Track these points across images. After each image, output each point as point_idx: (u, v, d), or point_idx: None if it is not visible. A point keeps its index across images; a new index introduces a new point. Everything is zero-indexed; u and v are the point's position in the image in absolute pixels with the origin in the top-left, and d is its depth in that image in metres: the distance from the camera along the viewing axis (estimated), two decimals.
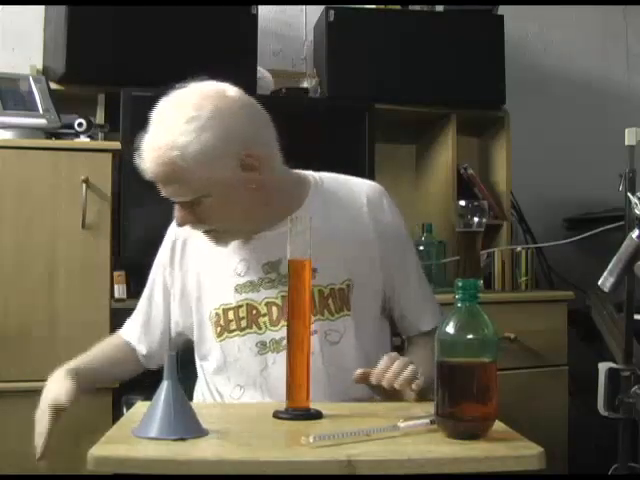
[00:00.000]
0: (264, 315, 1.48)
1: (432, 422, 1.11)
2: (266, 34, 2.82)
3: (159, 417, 1.07)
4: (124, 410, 1.56)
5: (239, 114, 1.39)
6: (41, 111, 2.24)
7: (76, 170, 2.16)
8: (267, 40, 2.86)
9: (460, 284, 1.10)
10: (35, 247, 2.15)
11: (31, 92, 2.26)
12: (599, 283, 1.36)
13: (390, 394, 1.33)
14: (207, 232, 1.46)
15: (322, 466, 0.99)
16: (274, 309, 1.47)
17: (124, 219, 2.27)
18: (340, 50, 2.67)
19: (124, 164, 2.21)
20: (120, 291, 2.23)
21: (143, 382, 1.63)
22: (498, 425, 1.11)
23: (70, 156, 2.19)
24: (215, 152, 1.35)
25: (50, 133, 2.27)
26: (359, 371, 1.35)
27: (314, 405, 1.24)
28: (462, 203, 2.58)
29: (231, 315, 1.49)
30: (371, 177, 2.50)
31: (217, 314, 1.50)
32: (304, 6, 2.98)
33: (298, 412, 1.21)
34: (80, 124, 2.26)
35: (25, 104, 2.23)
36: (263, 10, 2.65)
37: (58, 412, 1.35)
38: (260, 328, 1.48)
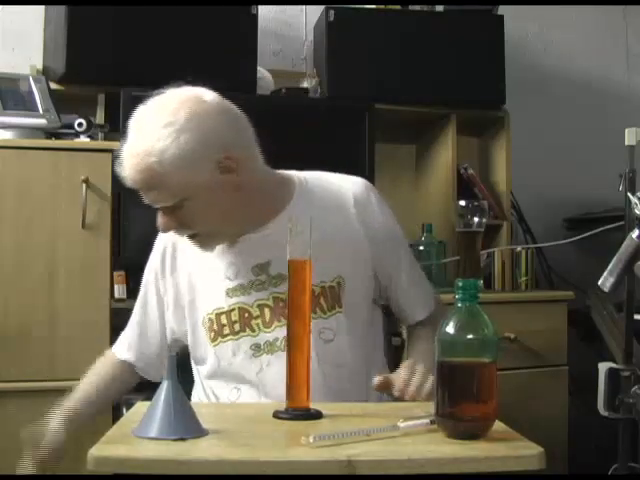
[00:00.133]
0: (256, 317, 1.48)
1: (432, 422, 1.11)
2: (266, 34, 2.82)
3: (159, 417, 1.07)
4: (124, 410, 1.56)
5: (216, 117, 1.40)
6: (41, 111, 2.24)
7: (76, 170, 2.17)
8: (267, 40, 2.86)
9: (460, 284, 1.10)
10: (35, 247, 2.15)
11: (31, 92, 2.26)
12: (599, 283, 1.36)
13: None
14: (191, 237, 1.46)
15: (322, 466, 0.99)
16: (266, 310, 1.48)
17: (124, 219, 2.27)
18: (340, 50, 2.67)
19: None
20: (120, 291, 2.23)
21: (143, 382, 1.63)
22: (498, 425, 1.10)
23: (70, 156, 2.19)
24: (193, 155, 1.35)
25: (50, 133, 2.27)
26: (379, 379, 1.35)
27: (313, 405, 1.24)
28: (462, 203, 2.58)
29: (224, 319, 1.49)
30: (371, 177, 2.51)
31: (210, 319, 1.50)
32: (304, 6, 2.98)
33: (298, 412, 1.21)
34: (80, 124, 2.26)
35: (25, 104, 2.24)
36: (263, 10, 2.66)
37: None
38: (253, 330, 1.48)
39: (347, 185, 1.56)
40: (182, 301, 1.55)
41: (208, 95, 1.43)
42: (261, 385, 1.46)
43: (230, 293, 1.49)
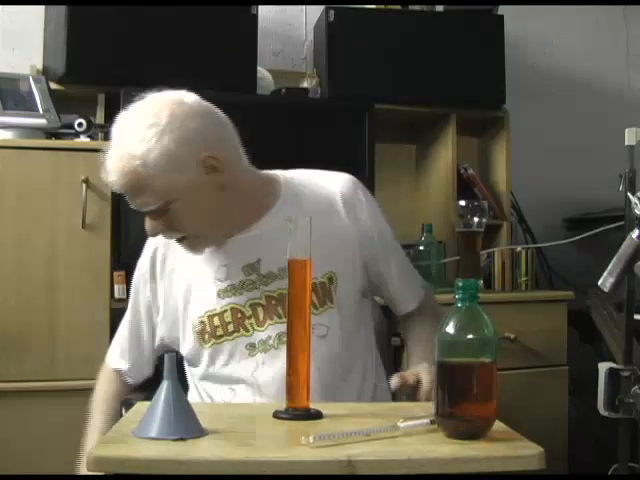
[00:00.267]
0: (249, 317, 1.48)
1: (432, 422, 1.11)
2: (266, 34, 2.82)
3: (159, 417, 1.07)
4: (124, 410, 1.56)
5: (197, 118, 1.41)
6: (41, 111, 2.24)
7: (76, 170, 2.17)
8: (267, 40, 2.86)
9: (460, 284, 1.10)
10: (35, 247, 2.15)
11: (31, 92, 2.26)
12: (599, 283, 1.36)
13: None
14: (180, 240, 1.47)
15: (322, 466, 0.99)
16: (259, 310, 1.48)
17: (124, 219, 2.27)
18: (340, 50, 2.67)
19: None
20: (120, 291, 2.23)
21: (143, 382, 1.63)
22: (498, 425, 1.11)
23: (70, 156, 2.19)
24: (176, 156, 1.36)
25: (50, 133, 2.27)
26: (397, 380, 1.36)
27: (313, 405, 1.24)
28: (462, 203, 2.58)
29: (217, 321, 1.49)
30: (371, 177, 2.51)
31: (202, 322, 1.50)
32: (304, 6, 2.98)
33: (298, 412, 1.21)
34: (80, 124, 2.26)
35: (25, 104, 2.24)
36: (263, 10, 2.66)
37: None
38: (247, 330, 1.48)
39: (334, 182, 1.56)
40: (173, 305, 1.54)
41: (189, 97, 1.44)
42: (256, 384, 1.46)
43: (221, 294, 1.49)
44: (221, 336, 1.49)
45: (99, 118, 2.42)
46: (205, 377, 1.52)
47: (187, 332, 1.52)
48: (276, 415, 1.21)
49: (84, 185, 2.16)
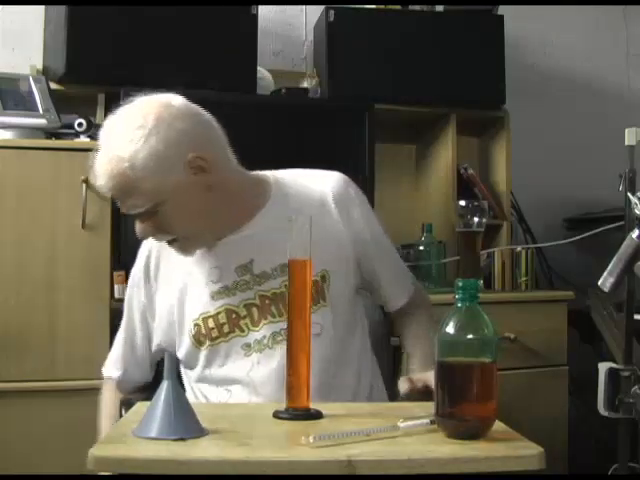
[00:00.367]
0: (244, 317, 1.48)
1: (432, 422, 1.11)
2: (266, 34, 2.82)
3: (159, 417, 1.07)
4: (124, 410, 1.56)
5: (184, 119, 1.41)
6: (41, 111, 2.24)
7: (76, 170, 2.16)
8: (267, 40, 2.86)
9: (460, 284, 1.10)
10: (35, 247, 2.15)
11: (31, 92, 2.26)
12: (599, 283, 1.36)
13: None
14: (171, 243, 1.47)
15: (322, 466, 0.99)
16: (254, 310, 1.48)
17: (124, 219, 2.27)
18: (340, 50, 2.67)
19: None
20: (120, 291, 2.23)
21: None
22: (498, 425, 1.10)
23: (70, 156, 2.19)
24: (164, 157, 1.37)
25: (50, 133, 2.27)
26: (406, 386, 1.35)
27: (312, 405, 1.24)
28: (462, 203, 2.58)
29: (211, 323, 1.49)
30: (371, 177, 2.51)
31: (197, 324, 1.50)
32: (304, 6, 2.99)
33: (298, 412, 1.21)
34: (80, 124, 2.26)
35: (25, 104, 2.24)
36: (263, 10, 2.66)
37: None
38: (243, 331, 1.48)
39: (325, 182, 1.56)
40: (168, 309, 1.54)
41: (176, 100, 1.44)
42: (252, 384, 1.47)
43: (215, 296, 1.49)
44: (216, 338, 1.49)
45: (99, 118, 2.42)
46: (201, 379, 1.52)
47: (183, 335, 1.52)
48: (276, 415, 1.21)
49: (84, 185, 2.16)
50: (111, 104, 1.48)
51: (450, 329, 1.09)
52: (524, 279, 2.79)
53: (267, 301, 1.48)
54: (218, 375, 1.50)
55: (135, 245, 2.24)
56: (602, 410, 1.41)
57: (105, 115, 2.42)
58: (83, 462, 1.00)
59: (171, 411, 1.08)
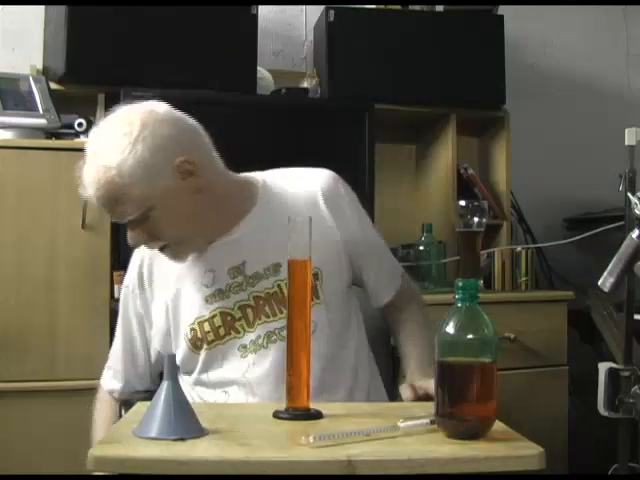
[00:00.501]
0: (239, 319, 1.48)
1: (432, 422, 1.11)
2: (266, 34, 2.82)
3: (159, 417, 1.07)
4: (123, 410, 1.56)
5: (169, 125, 1.42)
6: (41, 111, 2.24)
7: (76, 170, 2.16)
8: (267, 40, 2.86)
9: (460, 284, 1.10)
10: (35, 247, 2.15)
11: (31, 92, 2.26)
12: (599, 283, 1.36)
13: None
14: (163, 249, 1.47)
15: (322, 466, 0.99)
16: (248, 311, 1.49)
17: None
18: (340, 50, 2.67)
19: None
20: (120, 291, 2.22)
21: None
22: (498, 425, 1.10)
23: (70, 156, 2.17)
24: (151, 163, 1.37)
25: (50, 133, 2.27)
26: (410, 394, 1.37)
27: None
28: (462, 203, 2.58)
29: (207, 327, 1.49)
30: (371, 177, 2.51)
31: (193, 329, 1.50)
32: (304, 6, 2.98)
33: (298, 412, 1.21)
34: (80, 124, 2.26)
35: (25, 104, 2.23)
36: (263, 10, 2.66)
37: None
38: (238, 332, 1.49)
39: (314, 180, 1.56)
40: (164, 315, 1.54)
41: (159, 106, 1.45)
42: (248, 385, 1.47)
43: (209, 300, 1.50)
44: (213, 341, 1.49)
45: (99, 118, 2.40)
46: (198, 382, 1.52)
47: (179, 340, 1.52)
48: (276, 415, 1.21)
49: None
50: (111, 104, 1.48)
51: (450, 329, 1.09)
52: (524, 279, 2.79)
53: (261, 302, 1.48)
54: (215, 378, 1.50)
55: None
56: (602, 410, 1.41)
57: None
58: (83, 462, 1.00)
59: (171, 411, 1.08)
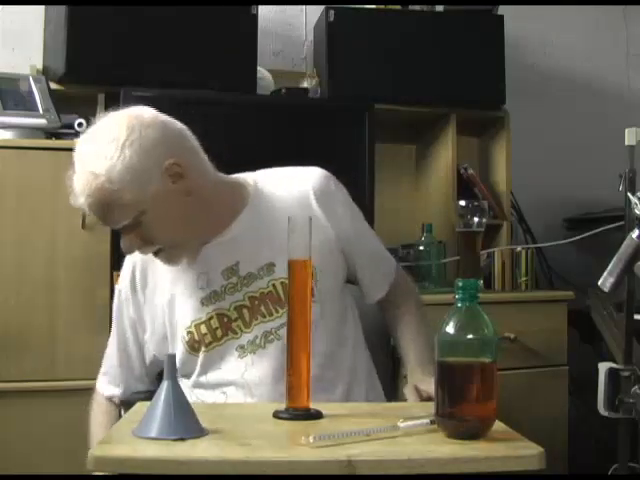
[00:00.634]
0: (236, 320, 1.49)
1: (432, 422, 1.11)
2: (266, 34, 2.82)
3: (159, 417, 1.07)
4: (123, 411, 1.56)
5: (155, 128, 1.42)
6: (41, 111, 2.24)
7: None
8: (267, 40, 2.86)
9: (460, 284, 1.10)
10: (35, 247, 2.15)
11: (31, 92, 2.26)
12: (599, 283, 1.36)
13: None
14: (156, 254, 1.47)
15: (322, 466, 0.99)
16: (244, 311, 1.49)
17: None
18: (340, 50, 2.67)
19: None
20: None
21: None
22: (498, 425, 1.10)
23: (70, 156, 2.16)
24: (140, 167, 1.37)
25: (50, 133, 2.27)
26: (413, 397, 1.40)
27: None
28: (462, 203, 2.58)
29: (204, 329, 1.49)
30: (371, 177, 2.51)
31: (190, 332, 1.50)
32: (304, 6, 2.98)
33: (298, 412, 1.21)
34: (80, 124, 2.26)
35: (25, 104, 2.23)
36: (263, 10, 2.66)
37: None
38: (236, 333, 1.49)
39: (305, 179, 1.56)
40: (159, 320, 1.54)
41: (147, 112, 1.45)
42: (246, 385, 1.47)
43: (205, 302, 1.50)
44: (210, 343, 1.49)
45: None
46: (197, 385, 1.52)
47: (176, 343, 1.52)
48: (276, 415, 1.21)
49: None
50: (111, 104, 1.49)
51: (450, 329, 1.09)
52: (524, 279, 2.79)
53: (256, 302, 1.48)
54: (214, 379, 1.50)
55: None
56: (602, 410, 1.42)
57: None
58: (83, 462, 1.00)
59: (171, 411, 1.08)
